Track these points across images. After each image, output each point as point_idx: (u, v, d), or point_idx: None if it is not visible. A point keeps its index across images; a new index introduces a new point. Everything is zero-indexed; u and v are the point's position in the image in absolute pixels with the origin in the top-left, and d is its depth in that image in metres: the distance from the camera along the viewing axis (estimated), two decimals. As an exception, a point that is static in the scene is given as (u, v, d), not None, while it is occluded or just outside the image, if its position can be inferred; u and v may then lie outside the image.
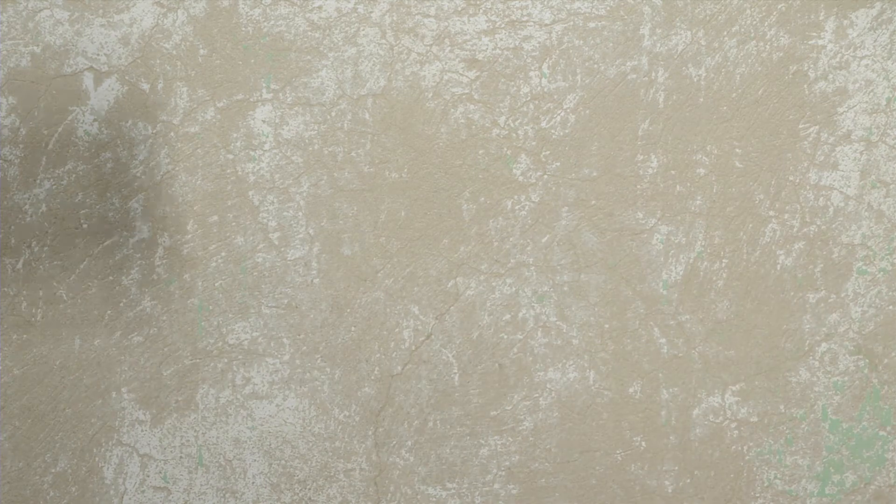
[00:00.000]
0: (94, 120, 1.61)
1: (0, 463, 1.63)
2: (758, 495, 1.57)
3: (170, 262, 1.61)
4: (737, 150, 1.55)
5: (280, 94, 1.59)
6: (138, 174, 1.61)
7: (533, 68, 1.57)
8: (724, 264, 1.56)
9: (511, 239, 1.58)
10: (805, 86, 1.55)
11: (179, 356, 1.62)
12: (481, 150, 1.58)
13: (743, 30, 1.55)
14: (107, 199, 1.62)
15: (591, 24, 1.56)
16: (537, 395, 1.59)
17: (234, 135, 1.60)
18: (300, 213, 1.60)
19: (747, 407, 1.56)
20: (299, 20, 1.59)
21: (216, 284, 1.61)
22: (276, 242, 1.60)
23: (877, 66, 1.54)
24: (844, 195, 1.55)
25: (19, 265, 1.62)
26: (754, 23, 1.55)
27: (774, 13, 1.54)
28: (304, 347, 1.61)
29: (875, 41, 1.54)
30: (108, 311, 1.62)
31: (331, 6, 1.59)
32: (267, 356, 1.61)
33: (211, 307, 1.61)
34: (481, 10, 1.57)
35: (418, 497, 1.60)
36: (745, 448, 1.57)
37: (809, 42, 1.54)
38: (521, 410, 1.59)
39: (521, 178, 1.58)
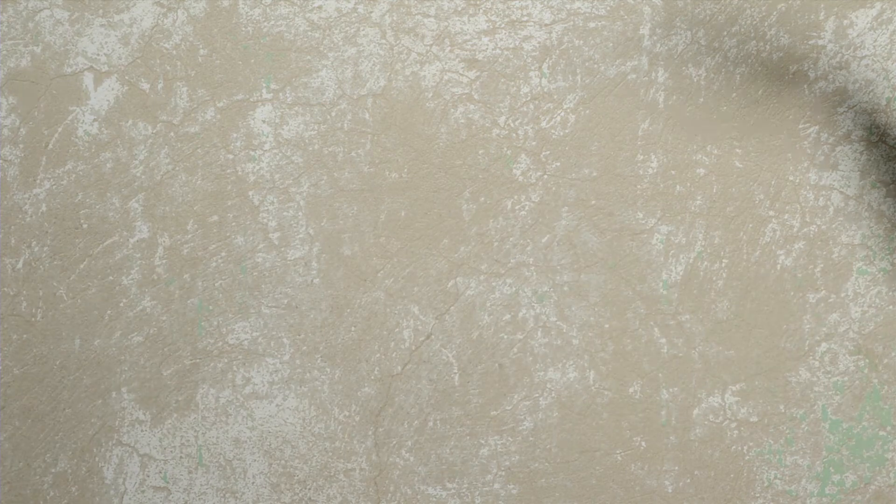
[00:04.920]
0: (94, 120, 1.61)
1: (0, 463, 1.63)
2: (758, 495, 1.57)
3: (170, 262, 1.61)
4: (737, 150, 1.55)
5: (280, 94, 1.59)
6: (138, 174, 1.61)
7: (533, 68, 1.57)
8: (724, 264, 1.56)
9: (511, 239, 1.58)
10: (805, 86, 1.55)
11: (179, 356, 1.62)
12: (481, 150, 1.58)
13: (743, 30, 1.55)
14: (107, 199, 1.62)
15: (591, 24, 1.56)
16: (537, 395, 1.59)
17: (234, 135, 1.60)
18: (300, 213, 1.60)
19: (747, 407, 1.57)
20: (299, 20, 1.59)
21: (216, 284, 1.61)
22: (276, 242, 1.60)
23: (877, 66, 1.54)
24: (844, 195, 1.55)
25: (19, 265, 1.62)
26: (754, 23, 1.55)
27: (774, 13, 1.54)
28: (304, 347, 1.61)
29: (875, 41, 1.54)
30: (108, 311, 1.62)
31: (331, 6, 1.59)
32: (267, 356, 1.61)
33: (211, 307, 1.61)
34: (481, 10, 1.57)
35: (418, 497, 1.60)
36: (745, 448, 1.57)
37: (809, 42, 1.54)
38: (521, 410, 1.59)
39: (521, 178, 1.58)
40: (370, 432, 1.60)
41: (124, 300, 1.62)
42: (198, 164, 1.61)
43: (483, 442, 1.59)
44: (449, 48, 1.58)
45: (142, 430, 1.62)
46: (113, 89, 1.61)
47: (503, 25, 1.57)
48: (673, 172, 1.56)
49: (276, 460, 1.61)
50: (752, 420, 1.57)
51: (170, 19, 1.60)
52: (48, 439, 1.63)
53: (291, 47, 1.59)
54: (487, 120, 1.58)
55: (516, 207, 1.58)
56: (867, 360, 1.55)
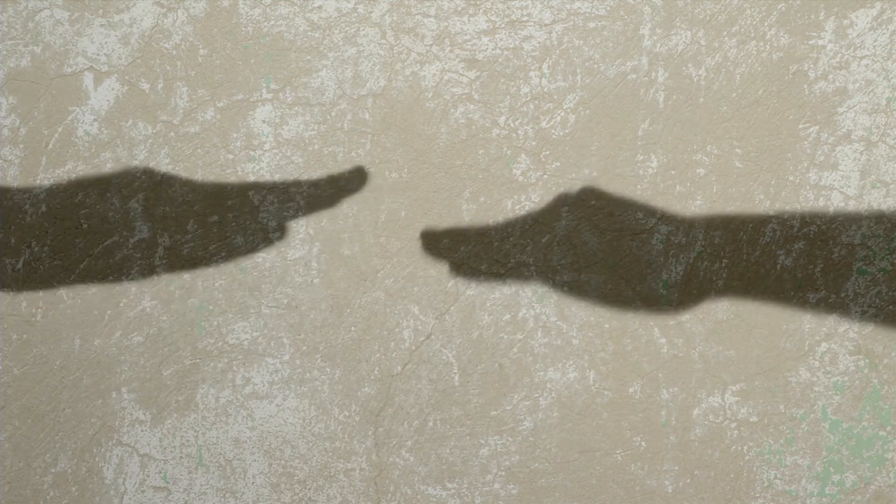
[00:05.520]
0: (94, 120, 1.61)
1: (0, 463, 1.63)
2: (758, 495, 1.57)
3: (170, 262, 1.61)
4: (737, 150, 1.55)
5: (280, 94, 1.59)
6: (138, 174, 1.61)
7: (533, 68, 1.57)
8: (724, 264, 1.56)
9: (511, 239, 1.58)
10: (805, 86, 1.55)
11: (179, 356, 1.62)
12: (481, 150, 1.58)
13: (743, 30, 1.55)
14: (107, 199, 1.62)
15: (591, 24, 1.56)
16: (537, 395, 1.59)
17: (234, 135, 1.60)
18: (300, 213, 1.60)
19: (747, 407, 1.56)
20: (299, 20, 1.59)
21: (216, 284, 1.61)
22: (276, 242, 1.60)
23: (877, 66, 1.54)
24: (844, 195, 1.55)
25: (19, 265, 1.62)
26: (754, 23, 1.55)
27: (774, 13, 1.54)
28: (304, 347, 1.61)
29: (875, 41, 1.54)
30: (108, 311, 1.62)
31: (331, 6, 1.59)
32: (267, 356, 1.61)
33: (211, 307, 1.61)
34: (481, 10, 1.57)
35: (418, 497, 1.60)
36: (745, 448, 1.57)
37: (809, 42, 1.54)
38: (521, 410, 1.59)
39: (521, 178, 1.58)
40: (370, 432, 1.60)
41: (124, 300, 1.62)
42: (198, 164, 1.61)
43: (483, 442, 1.59)
44: (449, 48, 1.58)
45: (142, 430, 1.62)
46: (113, 89, 1.61)
47: (503, 25, 1.57)
48: (673, 172, 1.56)
49: (276, 460, 1.61)
50: (752, 420, 1.56)
51: (170, 19, 1.60)
52: (48, 439, 1.63)
53: (291, 47, 1.59)
54: (487, 120, 1.58)
55: (516, 207, 1.58)
56: (867, 360, 1.55)
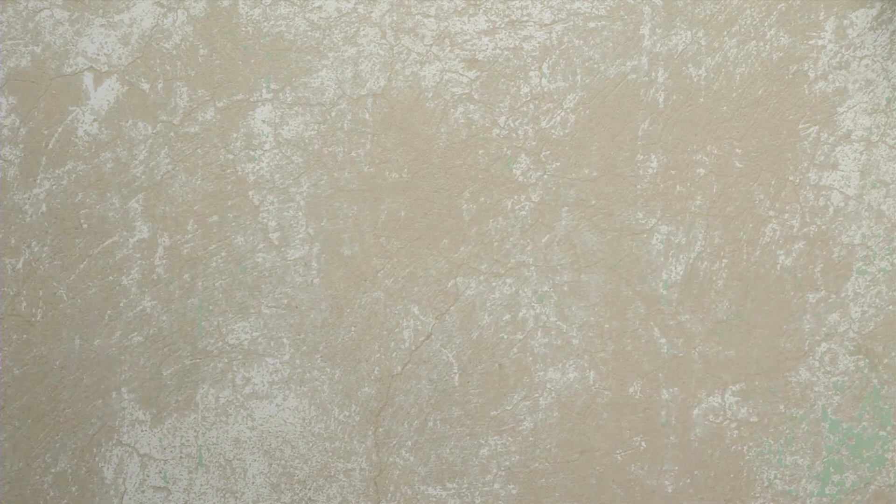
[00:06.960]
0: (94, 120, 1.61)
1: (0, 463, 1.63)
2: (758, 495, 1.57)
3: (170, 262, 1.61)
4: (737, 150, 1.55)
5: (280, 94, 1.59)
6: (138, 174, 1.61)
7: (533, 68, 1.57)
8: (724, 264, 1.56)
9: (511, 239, 1.58)
10: (805, 86, 1.55)
11: (179, 356, 1.62)
12: (481, 150, 1.58)
13: (743, 30, 1.55)
14: (107, 199, 1.62)
15: (591, 24, 1.56)
16: (537, 395, 1.59)
17: (234, 135, 1.60)
18: (300, 213, 1.60)
19: (747, 407, 1.56)
20: (299, 20, 1.59)
21: (216, 284, 1.61)
22: (276, 242, 1.60)
23: (877, 66, 1.54)
24: (844, 195, 1.55)
25: (19, 265, 1.62)
26: (754, 23, 1.55)
27: (774, 13, 1.54)
28: (304, 347, 1.61)
29: (875, 41, 1.54)
30: (108, 311, 1.62)
31: (331, 6, 1.59)
32: (267, 356, 1.61)
33: (211, 307, 1.61)
34: (481, 10, 1.57)
35: (418, 497, 1.60)
36: (745, 448, 1.57)
37: (809, 42, 1.54)
38: (521, 410, 1.59)
39: (521, 178, 1.58)
40: (370, 432, 1.60)
41: (124, 300, 1.62)
42: (198, 164, 1.61)
43: (483, 442, 1.59)
44: (449, 48, 1.58)
45: (142, 430, 1.62)
46: (113, 89, 1.61)
47: (503, 25, 1.57)
48: (673, 172, 1.56)
49: (276, 460, 1.61)
50: (752, 420, 1.56)
51: (170, 19, 1.60)
52: (48, 439, 1.63)
53: (291, 47, 1.59)
54: (487, 120, 1.58)
55: (516, 207, 1.58)
56: (867, 360, 1.55)
